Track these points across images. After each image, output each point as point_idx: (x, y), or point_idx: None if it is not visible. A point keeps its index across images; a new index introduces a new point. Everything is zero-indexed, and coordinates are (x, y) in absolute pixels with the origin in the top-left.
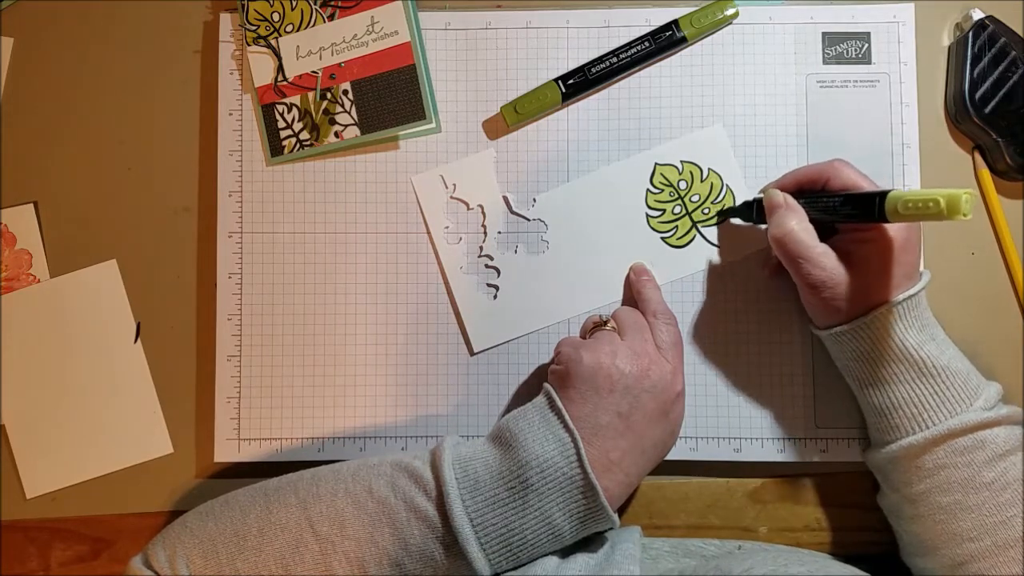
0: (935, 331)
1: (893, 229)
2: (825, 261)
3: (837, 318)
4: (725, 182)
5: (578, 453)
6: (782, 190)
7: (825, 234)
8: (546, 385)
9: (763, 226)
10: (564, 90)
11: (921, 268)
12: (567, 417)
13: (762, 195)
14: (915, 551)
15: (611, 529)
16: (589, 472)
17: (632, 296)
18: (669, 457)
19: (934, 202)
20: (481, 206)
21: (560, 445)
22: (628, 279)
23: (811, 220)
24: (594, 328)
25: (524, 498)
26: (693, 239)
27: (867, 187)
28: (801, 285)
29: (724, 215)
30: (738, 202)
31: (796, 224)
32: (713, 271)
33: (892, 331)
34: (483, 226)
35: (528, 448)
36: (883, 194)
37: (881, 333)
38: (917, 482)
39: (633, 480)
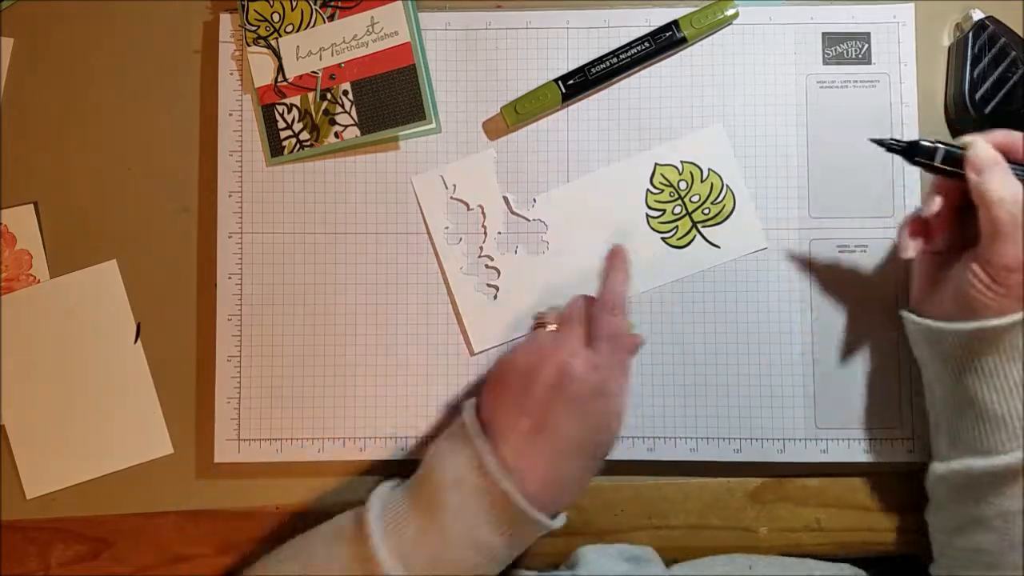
0: None
1: None
2: None
3: (1007, 307)
4: (725, 182)
5: (480, 459)
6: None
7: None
8: (465, 402)
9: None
10: (564, 90)
11: None
12: (470, 427)
13: (957, 147)
14: (973, 562)
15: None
16: (494, 474)
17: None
18: (670, 457)
19: None
20: (481, 206)
21: (468, 457)
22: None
23: None
24: (535, 325)
25: (443, 521)
26: (693, 239)
27: None
28: (994, 261)
29: (889, 147)
30: (739, 200)
31: (1020, 189)
32: (713, 271)
33: None
34: (483, 226)
35: (441, 469)
36: None
37: None
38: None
39: (565, 483)
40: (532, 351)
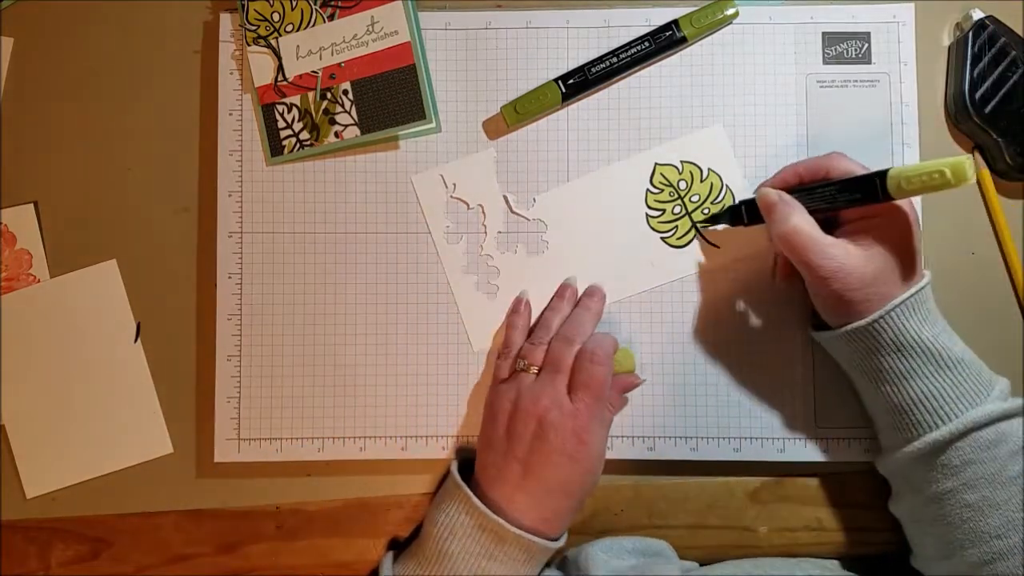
0: (943, 323)
1: (893, 216)
2: (834, 251)
3: (850, 311)
4: (725, 182)
5: (468, 502)
6: (778, 187)
7: (826, 230)
8: (451, 461)
9: (758, 226)
10: (564, 90)
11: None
12: (454, 476)
13: (755, 195)
14: (936, 554)
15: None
16: (482, 509)
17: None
18: (670, 457)
19: (939, 173)
20: (481, 206)
21: (456, 504)
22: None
23: (810, 213)
24: (513, 371)
25: (450, 569)
26: (693, 239)
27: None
28: (812, 280)
29: (711, 221)
30: (739, 200)
31: (798, 218)
32: (713, 271)
33: (909, 323)
34: (483, 226)
35: (434, 523)
36: (883, 173)
37: (899, 326)
38: (942, 480)
39: (556, 516)
40: (514, 399)
